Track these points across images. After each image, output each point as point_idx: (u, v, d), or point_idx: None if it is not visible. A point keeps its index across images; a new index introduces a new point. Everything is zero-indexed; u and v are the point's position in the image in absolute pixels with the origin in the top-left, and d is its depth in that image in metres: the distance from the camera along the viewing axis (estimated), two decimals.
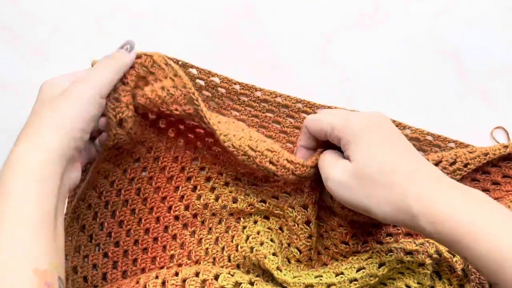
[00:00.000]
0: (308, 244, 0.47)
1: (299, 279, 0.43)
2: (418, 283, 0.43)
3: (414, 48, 0.57)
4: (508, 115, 0.56)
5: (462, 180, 0.52)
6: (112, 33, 0.57)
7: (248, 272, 0.47)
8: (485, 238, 0.31)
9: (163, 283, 0.41)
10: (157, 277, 0.41)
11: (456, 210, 0.33)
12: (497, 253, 0.31)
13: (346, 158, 0.40)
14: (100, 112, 0.41)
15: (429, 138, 0.54)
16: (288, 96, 0.54)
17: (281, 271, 0.44)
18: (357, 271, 0.43)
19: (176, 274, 0.41)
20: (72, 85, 0.39)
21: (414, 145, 0.54)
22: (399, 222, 0.37)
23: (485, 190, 0.52)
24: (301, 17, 0.58)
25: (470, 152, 0.50)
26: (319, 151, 0.44)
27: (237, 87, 0.54)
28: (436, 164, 0.51)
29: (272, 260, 0.45)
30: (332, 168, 0.40)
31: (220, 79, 0.54)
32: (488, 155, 0.50)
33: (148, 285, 0.40)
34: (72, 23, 0.57)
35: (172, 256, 0.50)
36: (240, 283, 0.41)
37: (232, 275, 0.42)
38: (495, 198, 0.52)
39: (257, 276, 0.46)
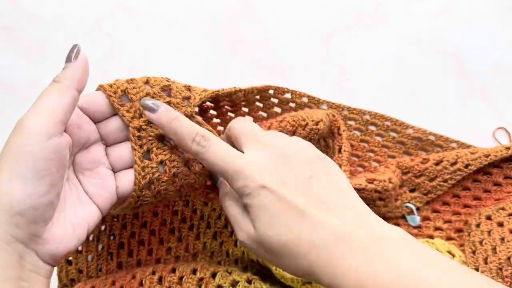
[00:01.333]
0: None
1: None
2: None
3: (414, 48, 0.57)
4: (508, 115, 0.55)
5: (463, 180, 0.52)
6: (112, 33, 0.57)
7: (246, 269, 0.47)
8: None
9: (160, 279, 0.40)
10: (154, 273, 0.41)
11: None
12: None
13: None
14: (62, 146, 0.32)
15: (431, 138, 0.54)
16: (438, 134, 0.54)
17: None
18: None
19: (173, 270, 0.41)
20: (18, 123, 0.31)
21: (416, 144, 0.54)
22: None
23: (486, 191, 0.52)
24: (301, 16, 0.58)
25: (472, 153, 0.50)
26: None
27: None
28: (437, 164, 0.51)
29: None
30: (237, 230, 0.34)
31: (370, 115, 0.55)
32: (489, 157, 0.50)
33: (145, 281, 0.40)
34: (72, 23, 0.57)
35: (169, 249, 0.49)
36: (238, 282, 0.40)
37: (230, 273, 0.41)
38: (496, 199, 0.52)
39: (255, 273, 0.45)
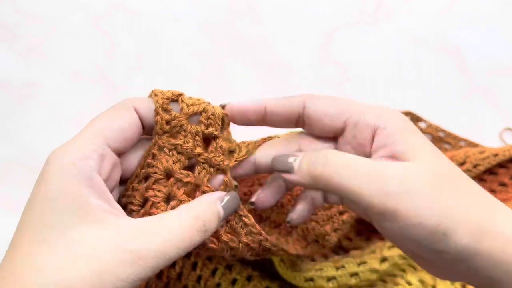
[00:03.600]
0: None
1: (299, 273, 0.43)
2: (419, 280, 0.42)
3: (416, 47, 0.57)
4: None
5: None
6: (110, 31, 0.57)
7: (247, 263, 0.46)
8: None
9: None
10: None
11: None
12: None
13: (384, 158, 0.29)
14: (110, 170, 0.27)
15: (441, 134, 0.54)
16: None
17: (284, 263, 0.43)
18: (358, 265, 0.42)
19: (173, 265, 0.40)
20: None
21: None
22: (476, 253, 0.26)
23: (492, 191, 0.52)
24: (302, 15, 0.58)
25: (480, 153, 0.49)
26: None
27: None
28: None
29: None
30: (381, 180, 0.26)
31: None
32: (497, 156, 0.49)
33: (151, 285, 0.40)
34: (70, 21, 0.57)
35: None
36: (236, 280, 0.40)
37: (230, 271, 0.41)
38: (502, 200, 0.51)
39: (254, 268, 0.45)
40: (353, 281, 0.42)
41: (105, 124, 0.27)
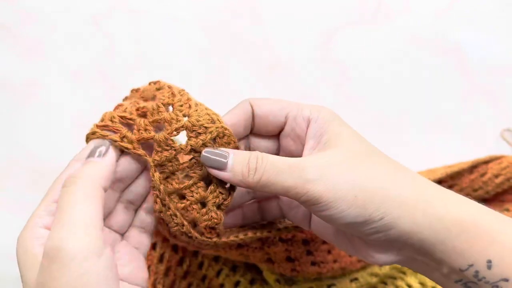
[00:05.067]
0: None
1: (298, 285, 0.43)
2: (419, 283, 0.42)
3: (416, 47, 0.57)
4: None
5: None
6: (110, 31, 0.57)
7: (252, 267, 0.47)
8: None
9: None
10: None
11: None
12: None
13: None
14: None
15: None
16: None
17: (280, 282, 0.43)
18: (357, 270, 0.42)
19: (180, 263, 0.40)
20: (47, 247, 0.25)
21: None
22: (399, 217, 0.29)
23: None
24: (302, 15, 0.57)
25: (499, 163, 0.49)
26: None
27: None
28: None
29: (271, 275, 0.44)
30: (301, 171, 0.29)
31: None
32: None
33: (152, 269, 0.41)
34: (69, 21, 0.57)
35: None
36: (240, 282, 0.41)
37: (234, 272, 0.41)
38: (501, 201, 0.51)
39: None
40: (353, 285, 0.42)
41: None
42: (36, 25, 0.57)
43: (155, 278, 0.41)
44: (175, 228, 0.31)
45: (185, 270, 0.43)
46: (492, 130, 0.55)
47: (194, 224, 0.32)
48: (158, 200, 0.31)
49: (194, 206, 0.31)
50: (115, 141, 0.30)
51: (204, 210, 0.31)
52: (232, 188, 0.32)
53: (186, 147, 0.30)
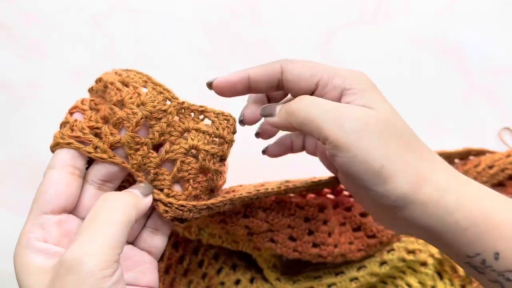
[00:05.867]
0: None
1: (298, 283, 0.43)
2: (419, 282, 0.42)
3: (416, 47, 0.57)
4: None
5: None
6: (110, 31, 0.57)
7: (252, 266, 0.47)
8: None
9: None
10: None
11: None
12: None
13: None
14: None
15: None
16: None
17: (280, 281, 0.43)
18: (357, 269, 0.42)
19: (181, 261, 0.41)
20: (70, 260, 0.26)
21: None
22: (412, 202, 0.29)
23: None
24: (301, 15, 0.57)
25: (507, 157, 0.49)
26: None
27: None
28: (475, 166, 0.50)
29: (271, 273, 0.44)
30: (340, 117, 0.29)
31: None
32: None
33: None
34: (70, 21, 0.57)
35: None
36: (240, 280, 0.41)
37: (235, 271, 0.42)
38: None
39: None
40: (353, 285, 0.42)
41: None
42: (36, 25, 0.57)
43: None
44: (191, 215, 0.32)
45: (185, 268, 0.43)
46: (492, 130, 0.55)
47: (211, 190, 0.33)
48: (159, 202, 0.31)
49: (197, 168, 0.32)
50: (89, 152, 0.30)
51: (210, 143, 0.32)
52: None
53: (154, 135, 0.30)
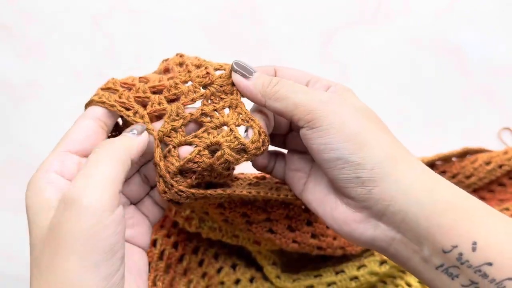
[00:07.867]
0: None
1: (298, 282, 0.43)
2: (419, 282, 0.42)
3: (416, 47, 0.57)
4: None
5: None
6: (110, 31, 0.57)
7: (251, 265, 0.47)
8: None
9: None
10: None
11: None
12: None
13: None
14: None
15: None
16: None
17: (280, 278, 0.43)
18: (357, 268, 0.42)
19: (180, 260, 0.41)
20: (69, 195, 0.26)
21: None
22: (390, 174, 0.29)
23: (490, 191, 0.52)
24: (301, 15, 0.57)
25: (504, 153, 0.49)
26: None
27: None
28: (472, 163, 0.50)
29: (271, 270, 0.44)
30: (315, 95, 0.31)
31: None
32: None
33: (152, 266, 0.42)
34: (70, 21, 0.57)
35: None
36: (240, 280, 0.41)
37: (234, 270, 0.42)
38: (500, 200, 0.51)
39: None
40: (353, 284, 0.42)
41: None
42: (36, 25, 0.57)
43: (155, 275, 0.41)
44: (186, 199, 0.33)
45: (185, 267, 0.43)
46: (492, 130, 0.55)
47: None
48: (161, 179, 0.32)
49: (203, 152, 0.32)
50: (128, 116, 0.32)
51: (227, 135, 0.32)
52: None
53: (196, 112, 0.32)
